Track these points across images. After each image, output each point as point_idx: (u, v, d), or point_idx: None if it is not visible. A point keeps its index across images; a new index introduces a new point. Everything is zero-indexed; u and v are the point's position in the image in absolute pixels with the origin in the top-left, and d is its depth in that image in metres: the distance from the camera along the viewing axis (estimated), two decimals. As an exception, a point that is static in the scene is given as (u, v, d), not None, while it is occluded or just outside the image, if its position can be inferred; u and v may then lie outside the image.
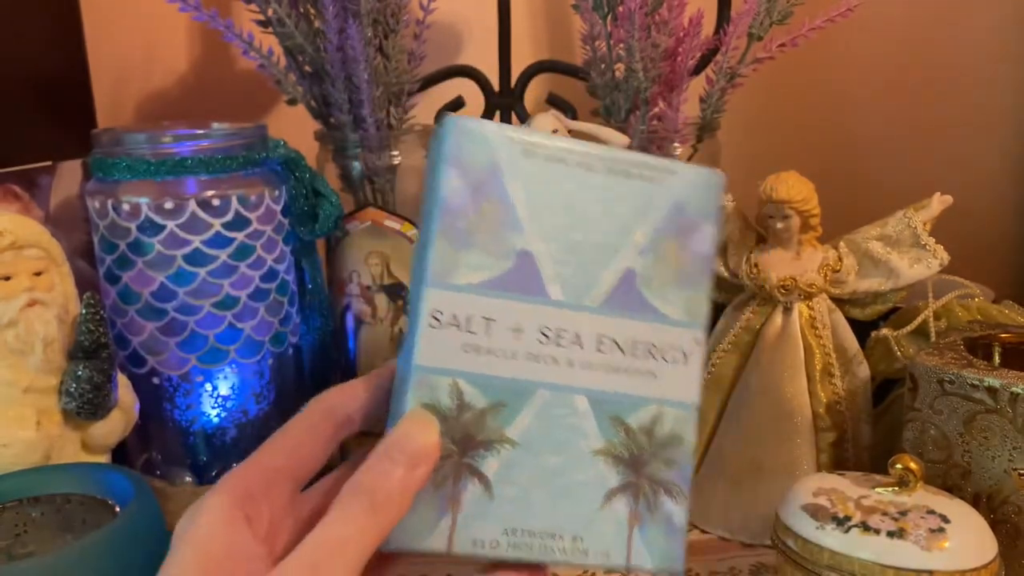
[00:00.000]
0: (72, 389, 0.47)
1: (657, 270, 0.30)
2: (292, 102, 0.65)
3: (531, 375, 0.28)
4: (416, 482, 0.26)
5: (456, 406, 0.27)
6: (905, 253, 0.55)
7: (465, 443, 0.27)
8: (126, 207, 0.54)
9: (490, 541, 0.27)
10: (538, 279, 0.28)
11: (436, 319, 0.27)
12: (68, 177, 0.67)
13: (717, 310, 0.62)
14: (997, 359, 0.52)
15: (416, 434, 0.27)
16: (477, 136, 0.28)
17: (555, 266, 0.28)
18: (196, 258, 0.54)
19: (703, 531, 0.57)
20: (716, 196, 0.31)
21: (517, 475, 0.28)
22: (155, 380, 0.56)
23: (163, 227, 0.54)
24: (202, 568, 0.25)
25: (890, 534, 0.40)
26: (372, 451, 0.26)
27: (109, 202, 0.54)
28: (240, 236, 0.55)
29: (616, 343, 0.29)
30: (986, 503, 0.46)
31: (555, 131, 0.59)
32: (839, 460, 0.55)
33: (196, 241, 0.54)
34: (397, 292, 0.63)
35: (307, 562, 0.25)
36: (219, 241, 0.55)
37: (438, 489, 0.27)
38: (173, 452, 0.58)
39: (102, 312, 0.49)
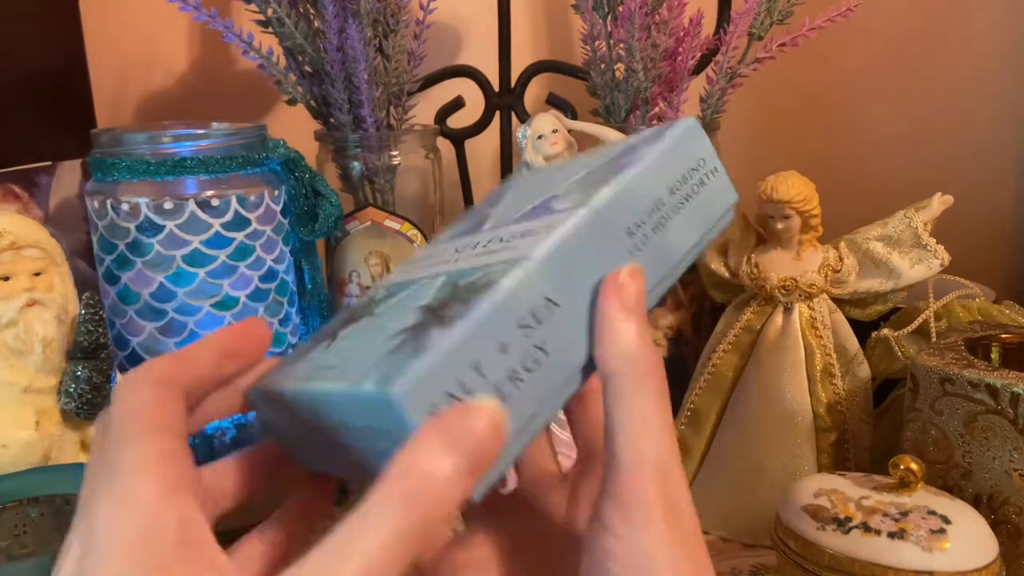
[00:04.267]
0: (71, 389, 0.47)
1: (579, 186, 0.28)
2: (292, 102, 0.65)
3: (422, 273, 0.28)
4: (466, 486, 0.20)
5: (357, 299, 0.29)
6: (906, 253, 0.55)
7: (346, 319, 0.28)
8: (125, 207, 0.54)
9: (293, 371, 0.26)
10: (482, 223, 0.30)
11: (404, 263, 0.31)
12: (67, 177, 0.67)
13: (717, 310, 0.62)
14: (998, 359, 0.52)
15: (477, 419, 0.21)
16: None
17: (501, 210, 0.30)
18: (195, 258, 0.54)
19: (704, 532, 0.57)
20: (677, 127, 0.29)
21: (354, 335, 0.26)
22: (155, 380, 0.56)
23: (162, 227, 0.54)
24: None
25: (891, 535, 0.40)
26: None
27: (108, 202, 0.54)
28: (239, 236, 0.55)
29: (501, 238, 0.27)
30: (987, 504, 0.46)
31: (555, 131, 0.59)
32: (840, 460, 0.55)
33: (195, 241, 0.54)
34: (397, 292, 0.63)
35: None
36: (218, 241, 0.55)
37: (298, 354, 0.27)
38: (173, 452, 0.58)
39: (101, 312, 0.48)
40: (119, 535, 0.20)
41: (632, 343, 0.24)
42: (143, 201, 0.53)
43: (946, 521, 0.40)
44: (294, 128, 0.66)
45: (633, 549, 0.23)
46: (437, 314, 0.23)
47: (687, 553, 0.23)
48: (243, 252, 0.56)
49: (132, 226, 0.54)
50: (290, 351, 0.27)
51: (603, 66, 0.66)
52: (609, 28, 0.64)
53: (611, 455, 0.24)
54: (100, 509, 0.21)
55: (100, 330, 0.48)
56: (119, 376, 0.24)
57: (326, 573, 0.19)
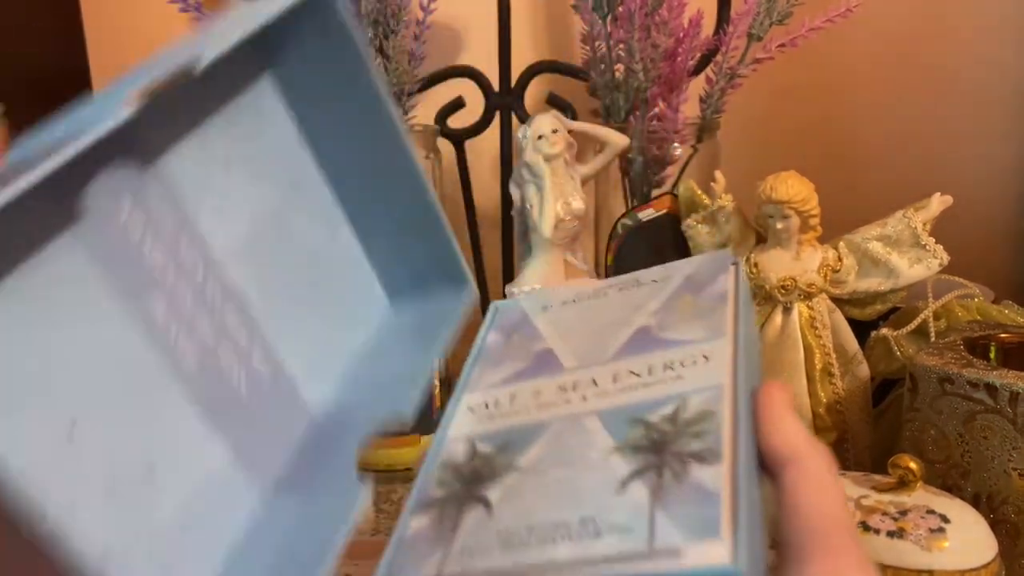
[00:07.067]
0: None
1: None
2: (292, 102, 0.65)
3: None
4: None
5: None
6: (905, 253, 0.55)
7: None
8: (126, 207, 0.54)
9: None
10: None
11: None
12: (68, 177, 0.67)
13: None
14: (996, 359, 0.52)
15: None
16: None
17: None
18: (196, 258, 0.54)
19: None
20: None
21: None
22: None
23: (163, 227, 0.54)
24: None
25: (890, 534, 0.40)
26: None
27: (109, 202, 0.54)
28: (240, 236, 0.55)
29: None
30: (986, 503, 0.46)
31: (555, 131, 0.59)
32: (839, 460, 0.55)
33: (196, 241, 0.54)
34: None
35: None
36: (219, 241, 0.55)
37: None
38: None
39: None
40: None
41: (805, 433, 0.26)
42: (144, 201, 0.53)
43: (945, 520, 0.40)
44: (294, 128, 0.66)
45: None
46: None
47: None
48: (244, 252, 0.56)
49: (133, 226, 0.54)
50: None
51: (603, 66, 0.66)
52: (609, 28, 0.64)
53: (802, 544, 0.24)
54: None
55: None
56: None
57: None
